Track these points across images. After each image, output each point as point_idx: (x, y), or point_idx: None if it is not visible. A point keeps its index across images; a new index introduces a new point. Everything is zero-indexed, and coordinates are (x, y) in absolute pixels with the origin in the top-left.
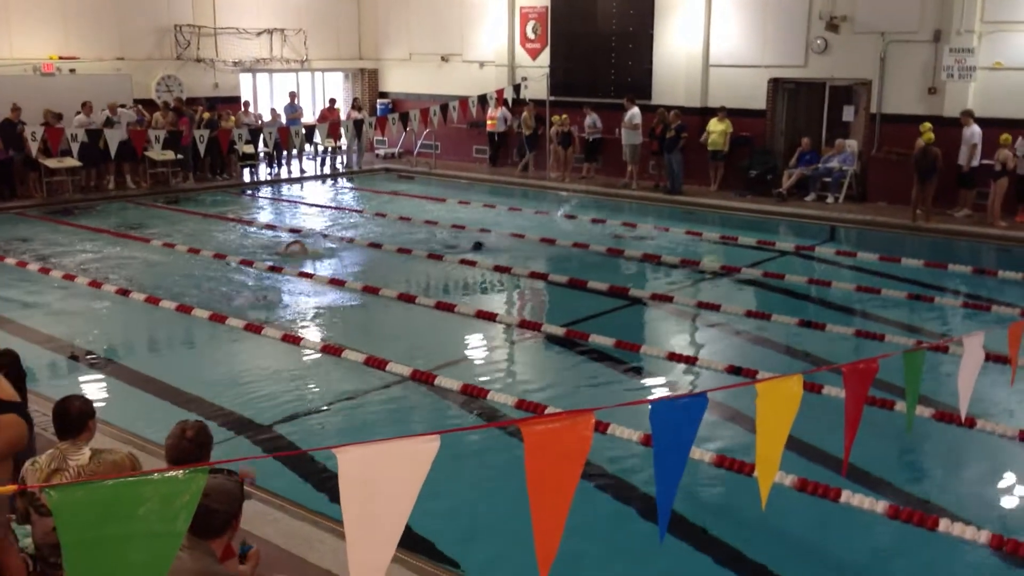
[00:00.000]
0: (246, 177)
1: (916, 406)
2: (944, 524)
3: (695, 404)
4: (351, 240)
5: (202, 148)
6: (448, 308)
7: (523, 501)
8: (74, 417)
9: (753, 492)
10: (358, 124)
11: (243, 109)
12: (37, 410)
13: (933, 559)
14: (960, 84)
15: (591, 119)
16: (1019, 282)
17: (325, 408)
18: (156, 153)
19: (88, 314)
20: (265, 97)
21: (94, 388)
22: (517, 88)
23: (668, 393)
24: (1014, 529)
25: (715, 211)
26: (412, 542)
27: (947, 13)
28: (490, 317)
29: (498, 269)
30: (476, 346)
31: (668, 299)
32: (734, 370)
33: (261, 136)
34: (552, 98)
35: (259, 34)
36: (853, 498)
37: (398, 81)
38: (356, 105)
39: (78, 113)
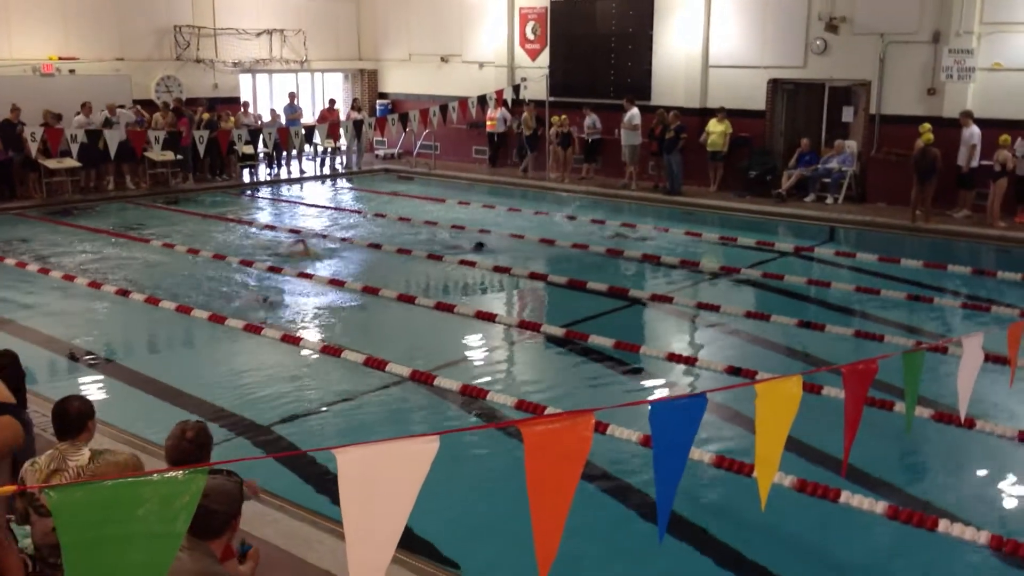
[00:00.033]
0: (246, 178)
1: (915, 407)
2: (944, 525)
3: (695, 405)
4: (351, 241)
5: (202, 149)
6: (448, 309)
7: (523, 502)
8: (73, 417)
9: (753, 493)
10: (358, 125)
11: (243, 110)
12: (37, 410)
13: (933, 560)
14: (959, 85)
15: (590, 120)
16: (1018, 283)
17: (325, 409)
18: (156, 154)
19: (88, 315)
20: (265, 98)
21: (94, 388)
22: (517, 89)
23: (668, 394)
24: (1014, 530)
25: (714, 212)
26: (412, 543)
27: (946, 14)
28: (490, 318)
29: (498, 270)
30: (476, 347)
31: (668, 300)
32: (734, 371)
33: (261, 137)
34: (551, 99)
35: (259, 35)
36: (853, 499)
37: (398, 82)
38: (356, 106)
39: (77, 114)
